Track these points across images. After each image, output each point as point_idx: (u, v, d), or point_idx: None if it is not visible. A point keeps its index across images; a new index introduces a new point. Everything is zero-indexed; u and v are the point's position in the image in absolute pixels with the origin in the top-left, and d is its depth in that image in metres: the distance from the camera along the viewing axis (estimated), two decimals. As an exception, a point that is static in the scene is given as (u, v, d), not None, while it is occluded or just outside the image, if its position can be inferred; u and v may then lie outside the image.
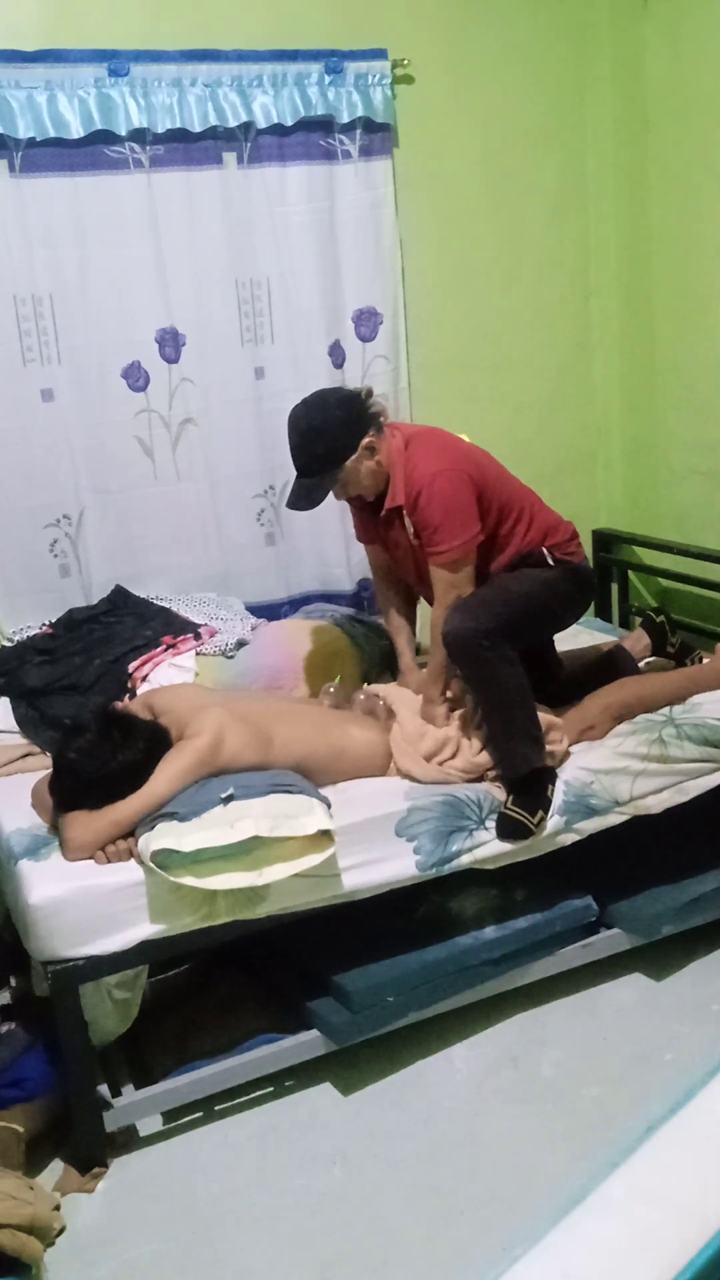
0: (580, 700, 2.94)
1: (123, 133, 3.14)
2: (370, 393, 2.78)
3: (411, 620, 3.11)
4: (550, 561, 2.81)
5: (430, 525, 2.68)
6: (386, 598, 3.09)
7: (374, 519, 2.85)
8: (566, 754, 2.79)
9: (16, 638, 3.28)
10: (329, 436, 2.67)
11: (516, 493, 2.84)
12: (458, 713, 2.80)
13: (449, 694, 2.81)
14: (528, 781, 2.66)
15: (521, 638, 2.71)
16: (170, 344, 3.35)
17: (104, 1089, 2.47)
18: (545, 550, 2.81)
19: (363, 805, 2.58)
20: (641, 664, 3.26)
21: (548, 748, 2.71)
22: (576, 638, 3.44)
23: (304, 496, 2.73)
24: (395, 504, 2.73)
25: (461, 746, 2.74)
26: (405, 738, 2.76)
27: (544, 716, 2.74)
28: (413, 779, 2.71)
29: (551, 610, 2.84)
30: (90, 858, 2.39)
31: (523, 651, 2.70)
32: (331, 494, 2.76)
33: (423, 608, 3.09)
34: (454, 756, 2.73)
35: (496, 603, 2.69)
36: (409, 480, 2.70)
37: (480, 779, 2.72)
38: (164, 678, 3.06)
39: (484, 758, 2.72)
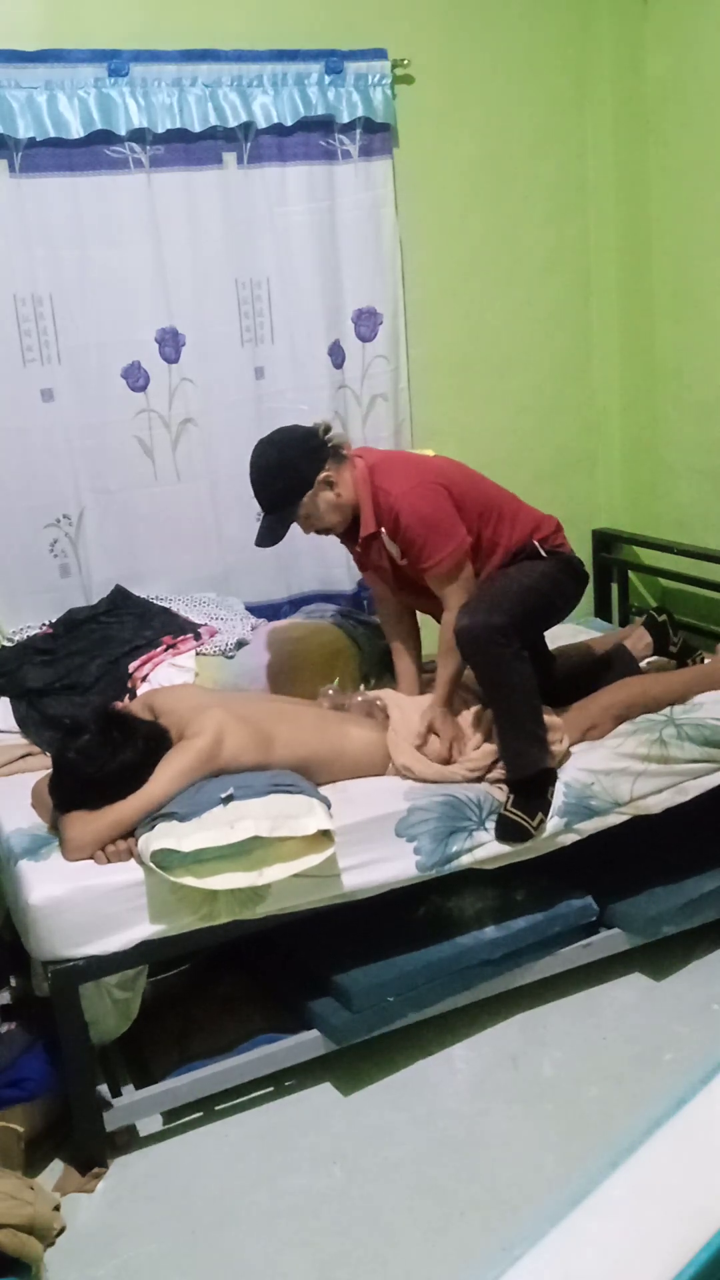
0: (582, 700, 2.95)
1: (123, 133, 3.14)
2: (328, 427, 2.81)
3: (416, 650, 3.06)
4: (543, 554, 2.81)
5: (416, 542, 2.69)
6: (391, 630, 3.05)
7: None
8: (567, 754, 2.79)
9: (16, 638, 3.28)
10: (286, 473, 2.71)
11: (493, 495, 2.85)
12: (463, 713, 2.80)
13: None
14: (529, 783, 2.66)
15: (529, 631, 2.72)
16: (170, 344, 3.35)
17: (104, 1089, 2.47)
18: (536, 543, 2.82)
19: (363, 805, 2.59)
20: (643, 664, 3.26)
21: (550, 748, 2.71)
22: (577, 637, 3.44)
23: (268, 533, 2.76)
24: (369, 531, 2.76)
25: (461, 746, 2.74)
26: (403, 736, 2.76)
27: (546, 717, 2.74)
28: (411, 775, 2.71)
29: (553, 602, 2.84)
30: (90, 858, 2.39)
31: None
32: (301, 530, 2.80)
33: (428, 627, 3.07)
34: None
35: (505, 598, 2.69)
36: (381, 505, 2.72)
37: (480, 779, 2.72)
38: (164, 678, 3.06)
39: (481, 755, 2.72)
